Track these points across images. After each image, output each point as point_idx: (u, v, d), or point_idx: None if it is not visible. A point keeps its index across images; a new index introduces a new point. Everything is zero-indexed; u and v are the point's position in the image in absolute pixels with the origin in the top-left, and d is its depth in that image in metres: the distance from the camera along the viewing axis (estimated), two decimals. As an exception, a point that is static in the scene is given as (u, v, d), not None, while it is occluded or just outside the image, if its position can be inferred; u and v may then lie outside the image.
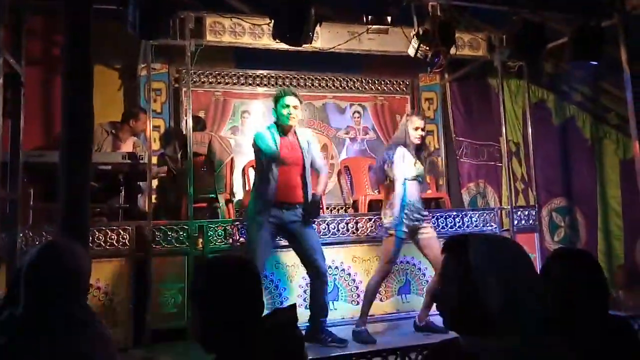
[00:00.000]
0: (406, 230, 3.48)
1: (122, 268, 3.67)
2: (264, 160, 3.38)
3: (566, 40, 4.27)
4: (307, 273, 3.50)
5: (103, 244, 3.67)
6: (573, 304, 1.51)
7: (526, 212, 4.83)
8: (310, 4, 3.21)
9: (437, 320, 3.63)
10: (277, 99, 3.45)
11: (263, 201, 3.33)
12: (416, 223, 3.54)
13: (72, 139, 2.24)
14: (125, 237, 3.71)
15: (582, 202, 5.71)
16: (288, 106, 3.39)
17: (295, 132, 3.50)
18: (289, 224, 3.37)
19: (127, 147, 4.38)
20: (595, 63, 4.11)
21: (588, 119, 5.92)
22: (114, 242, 3.69)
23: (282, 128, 3.44)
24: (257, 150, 3.43)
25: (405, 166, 3.54)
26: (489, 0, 3.78)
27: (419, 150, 3.67)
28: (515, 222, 4.72)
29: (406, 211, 3.46)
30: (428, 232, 3.62)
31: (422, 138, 3.66)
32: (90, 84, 2.35)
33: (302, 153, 3.44)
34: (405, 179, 3.50)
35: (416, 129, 3.61)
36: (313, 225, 3.55)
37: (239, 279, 1.32)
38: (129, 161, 3.83)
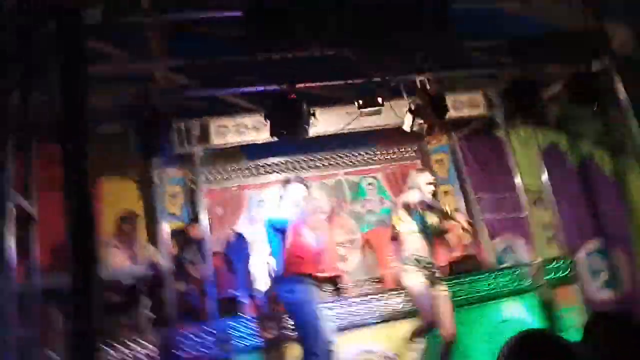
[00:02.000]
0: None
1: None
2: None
3: (563, 86, 4.29)
4: None
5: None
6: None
7: (561, 262, 4.62)
8: (301, 99, 3.35)
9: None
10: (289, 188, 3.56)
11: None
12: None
13: (76, 256, 2.32)
14: (152, 348, 3.69)
15: (619, 242, 5.45)
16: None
17: None
18: None
19: (127, 256, 4.39)
20: (595, 107, 4.09)
21: (606, 155, 5.79)
22: (143, 356, 3.66)
23: None
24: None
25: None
26: (473, 65, 3.86)
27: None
28: (553, 273, 4.50)
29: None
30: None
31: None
32: (89, 200, 2.46)
33: None
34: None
35: (428, 183, 3.69)
36: None
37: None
38: (151, 272, 3.90)
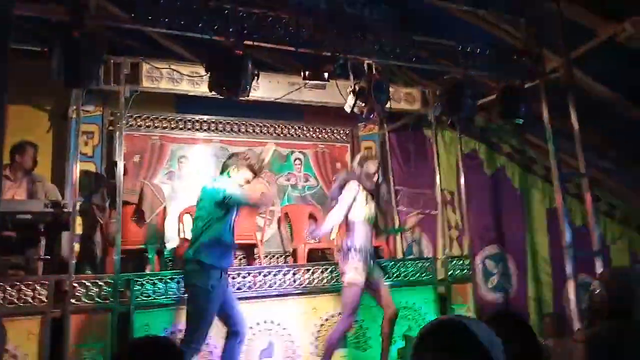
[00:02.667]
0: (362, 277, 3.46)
1: (36, 327, 3.37)
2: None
3: (494, 97, 4.53)
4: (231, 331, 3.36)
5: (16, 301, 3.37)
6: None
7: (460, 262, 4.94)
8: (247, 57, 3.21)
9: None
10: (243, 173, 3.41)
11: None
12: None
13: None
14: (42, 292, 3.43)
15: (513, 250, 5.93)
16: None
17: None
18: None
19: (22, 191, 4.05)
20: (521, 121, 4.36)
21: (517, 169, 6.24)
22: (29, 298, 3.40)
23: None
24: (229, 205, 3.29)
25: (357, 205, 3.53)
26: (422, 60, 3.94)
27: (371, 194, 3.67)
28: (451, 271, 4.80)
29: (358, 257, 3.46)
30: (381, 277, 3.64)
31: (377, 183, 3.70)
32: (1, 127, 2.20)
33: None
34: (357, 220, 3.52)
35: (373, 174, 3.63)
36: None
37: None
38: (51, 210, 3.59)
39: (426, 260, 4.82)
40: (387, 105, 4.04)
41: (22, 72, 3.65)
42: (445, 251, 4.92)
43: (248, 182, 3.39)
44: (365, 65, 3.76)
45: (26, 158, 4.09)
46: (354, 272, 3.44)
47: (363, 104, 3.65)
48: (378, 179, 3.71)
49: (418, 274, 4.65)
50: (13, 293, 3.37)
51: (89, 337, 3.49)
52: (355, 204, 3.54)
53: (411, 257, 5.50)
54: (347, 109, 3.80)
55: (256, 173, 3.39)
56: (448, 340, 1.03)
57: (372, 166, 3.64)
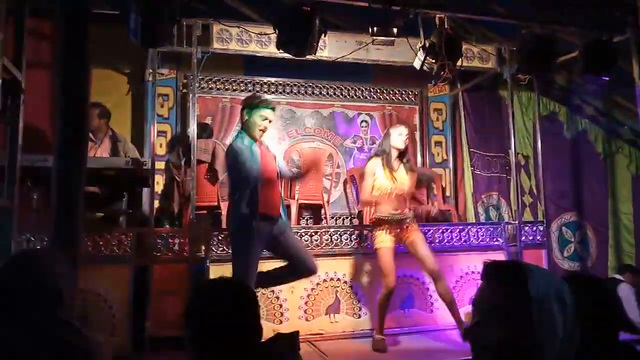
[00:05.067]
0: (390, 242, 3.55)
1: (123, 275, 3.66)
2: (245, 175, 3.18)
3: (577, 53, 4.19)
4: (295, 275, 3.43)
5: (104, 250, 3.66)
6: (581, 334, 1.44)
7: (534, 227, 4.74)
8: (315, 14, 3.18)
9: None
10: (255, 106, 3.27)
11: (248, 216, 3.16)
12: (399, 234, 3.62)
13: (65, 141, 2.23)
14: (126, 243, 3.70)
15: (593, 218, 5.61)
16: (266, 119, 3.28)
17: (262, 142, 3.40)
18: (273, 237, 3.28)
19: (103, 150, 4.28)
20: (607, 78, 4.02)
21: (600, 133, 5.83)
22: (115, 248, 3.68)
23: (252, 138, 3.29)
24: (236, 164, 3.22)
25: (378, 180, 3.63)
26: (498, 13, 3.71)
27: (402, 157, 3.69)
28: (523, 237, 4.62)
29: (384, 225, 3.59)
30: (412, 235, 3.65)
31: (406, 146, 3.69)
32: (85, 87, 2.34)
33: (276, 164, 3.39)
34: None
35: (400, 134, 3.64)
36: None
37: (236, 304, 1.29)
38: (132, 166, 3.82)
39: (497, 225, 4.67)
40: (459, 63, 3.88)
41: (102, 36, 3.87)
42: (517, 216, 4.72)
43: (268, 120, 3.30)
44: (437, 20, 3.60)
45: (105, 120, 4.35)
46: (378, 238, 3.59)
47: (433, 61, 3.51)
48: (407, 141, 3.68)
49: (489, 239, 4.52)
50: (101, 243, 3.66)
51: (169, 286, 3.73)
52: (377, 178, 3.63)
53: (481, 221, 5.33)
54: (417, 65, 3.68)
55: (263, 104, 3.29)
56: (500, 273, 1.02)
57: (395, 134, 3.65)
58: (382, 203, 3.64)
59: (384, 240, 3.58)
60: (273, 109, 3.33)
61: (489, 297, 1.01)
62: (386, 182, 3.63)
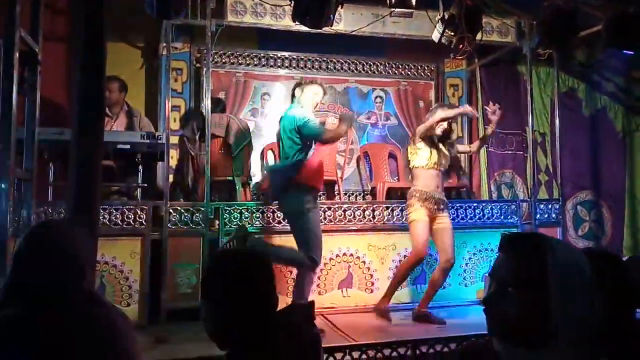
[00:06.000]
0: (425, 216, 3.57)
1: (138, 247, 3.71)
2: (307, 146, 3.32)
3: (599, 27, 4.07)
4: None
5: (120, 223, 3.70)
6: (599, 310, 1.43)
7: (549, 205, 4.69)
8: (332, -15, 3.11)
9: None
10: (310, 90, 3.42)
11: (312, 189, 3.31)
12: (434, 212, 3.60)
13: (83, 115, 2.23)
14: (142, 216, 3.74)
15: (609, 197, 5.53)
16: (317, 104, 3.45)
17: None
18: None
19: (118, 125, 4.29)
20: (631, 53, 3.91)
21: (620, 111, 5.71)
22: (131, 221, 3.72)
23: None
24: (303, 135, 3.30)
25: (419, 156, 3.62)
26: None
27: (444, 139, 3.71)
28: (538, 215, 4.58)
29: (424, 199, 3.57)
30: (443, 222, 3.64)
31: (445, 129, 3.69)
32: (103, 61, 2.32)
33: None
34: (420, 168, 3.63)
35: (439, 120, 3.62)
36: None
37: (252, 273, 1.29)
38: (147, 141, 3.83)
39: (511, 203, 4.63)
40: (479, 37, 3.79)
41: (116, 9, 3.84)
42: (533, 194, 4.67)
43: (319, 99, 3.42)
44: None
45: (112, 95, 4.33)
46: (415, 212, 3.58)
47: (452, 34, 3.43)
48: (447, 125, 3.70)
49: (503, 216, 4.50)
50: (117, 216, 3.70)
51: (184, 259, 3.78)
52: (418, 152, 3.65)
53: (496, 198, 5.29)
54: (435, 37, 3.60)
55: (323, 88, 3.42)
56: (518, 244, 1.01)
57: (437, 113, 3.64)
58: (424, 177, 3.63)
59: (420, 214, 3.57)
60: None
61: (506, 268, 1.00)
62: (425, 158, 3.63)
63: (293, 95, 3.52)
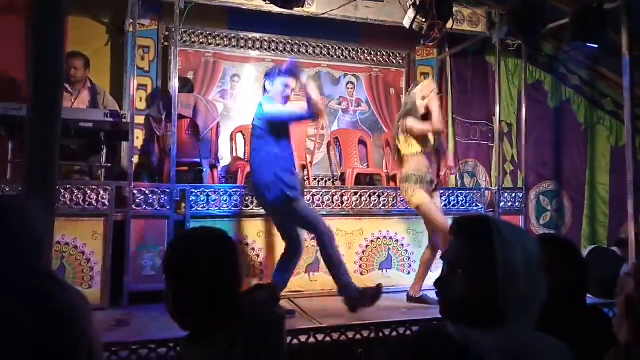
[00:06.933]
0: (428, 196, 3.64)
1: (101, 228, 3.62)
2: (282, 131, 3.29)
3: (567, 21, 4.15)
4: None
5: (82, 203, 3.60)
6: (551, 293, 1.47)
7: (513, 194, 4.81)
8: (304, -35, 3.06)
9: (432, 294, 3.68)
10: (279, 82, 3.33)
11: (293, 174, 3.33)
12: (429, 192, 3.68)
13: (39, 91, 2.13)
14: (105, 197, 3.65)
15: (570, 187, 5.71)
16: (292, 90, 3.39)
17: None
18: None
19: (80, 102, 4.17)
20: (595, 46, 4.01)
21: (583, 103, 5.86)
22: (93, 201, 3.62)
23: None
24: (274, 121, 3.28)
25: (412, 144, 3.65)
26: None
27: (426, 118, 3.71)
28: (502, 203, 4.69)
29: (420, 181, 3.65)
30: (436, 202, 3.76)
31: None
32: (61, 35, 2.22)
33: None
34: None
35: (423, 98, 3.64)
36: None
37: (214, 252, 1.27)
38: (110, 119, 3.71)
39: (477, 191, 4.72)
40: (450, 25, 3.81)
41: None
42: (498, 183, 4.77)
43: (290, 88, 3.34)
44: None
45: (82, 70, 4.19)
46: (412, 193, 3.61)
47: (423, 20, 3.44)
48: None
49: (468, 204, 4.59)
50: (79, 196, 3.60)
51: (148, 241, 3.71)
52: (411, 141, 3.66)
53: (461, 186, 5.39)
54: (406, 23, 3.60)
55: (295, 75, 3.32)
56: (466, 227, 1.04)
57: (418, 92, 3.68)
58: (416, 160, 3.65)
59: (422, 195, 3.60)
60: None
61: (455, 251, 1.03)
62: (416, 143, 3.66)
63: (264, 87, 3.44)
